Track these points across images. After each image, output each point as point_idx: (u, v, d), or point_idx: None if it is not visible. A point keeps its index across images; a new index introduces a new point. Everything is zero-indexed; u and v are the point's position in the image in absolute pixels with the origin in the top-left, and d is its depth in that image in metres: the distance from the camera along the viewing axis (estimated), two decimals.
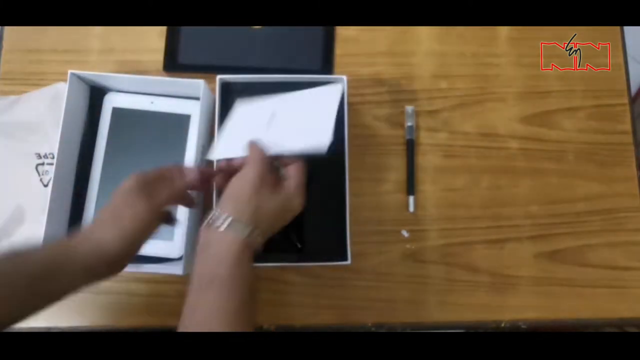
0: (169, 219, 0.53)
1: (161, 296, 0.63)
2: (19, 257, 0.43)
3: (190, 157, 0.63)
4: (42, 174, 0.65)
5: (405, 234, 0.66)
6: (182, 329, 0.41)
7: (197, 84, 0.60)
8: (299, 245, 0.61)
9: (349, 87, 0.61)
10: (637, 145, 0.69)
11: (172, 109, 0.65)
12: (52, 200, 0.58)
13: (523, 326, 0.64)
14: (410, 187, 0.66)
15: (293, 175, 0.50)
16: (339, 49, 0.71)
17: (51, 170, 0.61)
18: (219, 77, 0.61)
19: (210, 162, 0.58)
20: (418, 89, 0.70)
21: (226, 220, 0.45)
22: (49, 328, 0.62)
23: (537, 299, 0.64)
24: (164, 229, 0.51)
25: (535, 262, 0.65)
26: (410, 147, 0.67)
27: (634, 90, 0.76)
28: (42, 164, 0.65)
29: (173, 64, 0.69)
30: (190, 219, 0.59)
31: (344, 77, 0.60)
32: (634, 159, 0.69)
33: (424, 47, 0.71)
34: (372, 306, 0.64)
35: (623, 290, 0.65)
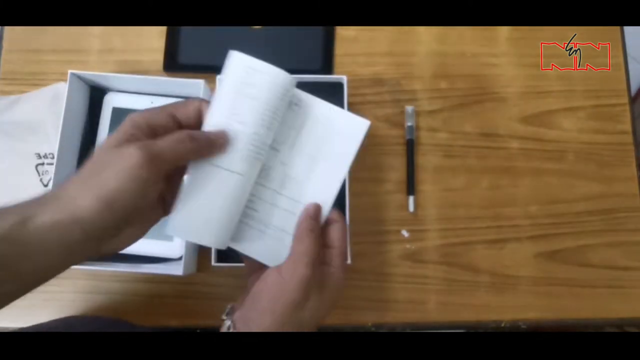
0: (173, 184, 0.39)
1: (161, 296, 0.63)
2: None
3: None
4: (42, 174, 0.65)
5: (405, 234, 0.66)
6: None
7: (197, 84, 0.60)
8: None
9: (349, 87, 0.61)
10: (637, 145, 0.69)
11: None
12: None
13: (523, 326, 0.64)
14: (410, 187, 0.66)
15: (338, 246, 0.39)
16: (339, 49, 0.71)
17: (51, 170, 0.61)
18: (219, 77, 0.61)
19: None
20: (418, 89, 0.70)
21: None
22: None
23: (537, 299, 0.64)
24: (163, 222, 0.40)
25: (536, 262, 0.65)
26: (410, 147, 0.67)
27: (634, 90, 0.76)
28: (42, 164, 0.65)
29: (173, 64, 0.69)
30: None
31: (344, 77, 0.59)
32: (634, 159, 0.69)
33: (424, 47, 0.71)
34: (372, 306, 0.64)
35: (623, 290, 0.65)
